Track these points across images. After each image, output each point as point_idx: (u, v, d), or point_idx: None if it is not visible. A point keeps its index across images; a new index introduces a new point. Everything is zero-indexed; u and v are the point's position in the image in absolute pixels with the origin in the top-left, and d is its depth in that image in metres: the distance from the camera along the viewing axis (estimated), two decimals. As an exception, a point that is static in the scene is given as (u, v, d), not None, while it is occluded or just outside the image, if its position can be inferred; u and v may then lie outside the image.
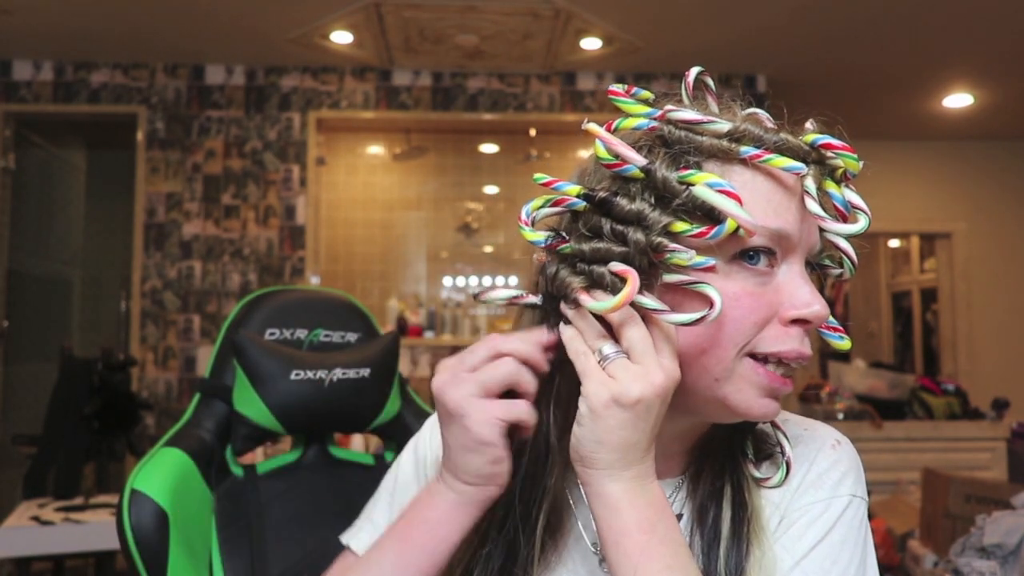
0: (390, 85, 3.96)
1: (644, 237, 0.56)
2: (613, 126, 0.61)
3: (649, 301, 0.56)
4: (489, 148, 4.77)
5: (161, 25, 3.42)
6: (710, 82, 0.64)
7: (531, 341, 0.61)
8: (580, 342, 0.59)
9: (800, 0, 3.19)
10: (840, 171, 0.59)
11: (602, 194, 0.58)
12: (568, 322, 0.60)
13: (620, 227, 0.58)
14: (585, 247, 0.59)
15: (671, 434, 0.65)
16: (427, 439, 0.78)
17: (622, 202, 0.57)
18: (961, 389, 4.14)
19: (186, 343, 3.76)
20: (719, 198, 0.54)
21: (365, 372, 1.11)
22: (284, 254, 3.85)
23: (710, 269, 0.56)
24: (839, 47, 3.68)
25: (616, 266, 0.57)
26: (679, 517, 0.65)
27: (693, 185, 0.56)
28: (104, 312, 4.85)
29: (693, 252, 0.55)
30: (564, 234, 0.61)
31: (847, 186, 0.60)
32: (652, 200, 0.58)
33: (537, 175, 0.62)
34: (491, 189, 4.74)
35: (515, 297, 0.63)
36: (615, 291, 0.57)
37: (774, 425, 0.65)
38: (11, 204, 3.85)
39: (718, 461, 0.65)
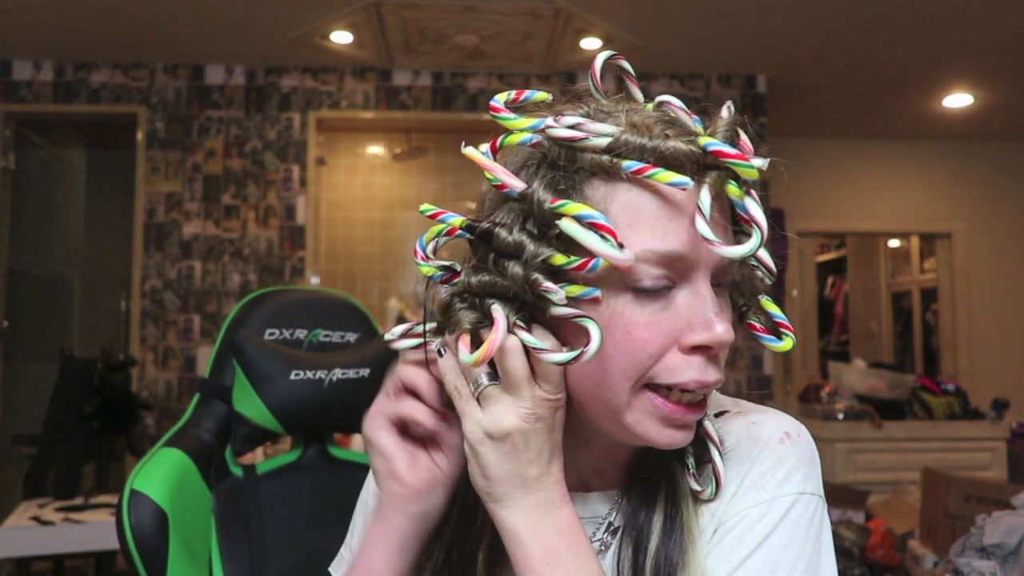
0: (390, 85, 3.96)
1: (522, 271, 0.53)
2: (498, 142, 0.57)
3: (529, 337, 0.54)
4: (489, 148, 4.76)
5: (161, 25, 3.42)
6: (627, 66, 0.60)
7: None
8: (455, 375, 0.57)
9: (801, 1, 3.19)
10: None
11: (483, 225, 0.55)
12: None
13: (502, 260, 0.55)
14: (473, 280, 0.56)
15: (601, 451, 0.63)
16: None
17: (502, 233, 0.54)
18: (961, 389, 4.14)
19: (186, 343, 3.76)
20: (586, 235, 0.51)
21: (365, 372, 1.11)
22: (284, 254, 3.85)
23: (595, 301, 0.53)
24: (839, 47, 3.68)
25: (495, 308, 0.54)
26: (617, 530, 0.62)
27: (563, 217, 0.52)
28: (104, 312, 4.85)
29: (563, 293, 0.52)
30: (457, 267, 0.59)
31: (748, 193, 0.54)
32: (535, 230, 0.54)
33: (423, 206, 0.59)
34: (491, 189, 4.74)
35: (419, 346, 0.61)
36: None
37: (707, 435, 0.60)
38: (11, 204, 3.85)
39: (653, 472, 0.62)
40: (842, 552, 2.82)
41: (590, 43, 3.62)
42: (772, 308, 0.61)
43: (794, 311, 5.19)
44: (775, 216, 4.54)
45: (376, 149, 4.78)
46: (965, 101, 4.39)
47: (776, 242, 0.62)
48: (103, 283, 4.83)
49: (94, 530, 2.36)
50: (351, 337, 1.19)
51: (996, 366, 5.06)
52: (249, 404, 1.05)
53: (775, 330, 0.60)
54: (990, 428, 3.92)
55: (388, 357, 1.15)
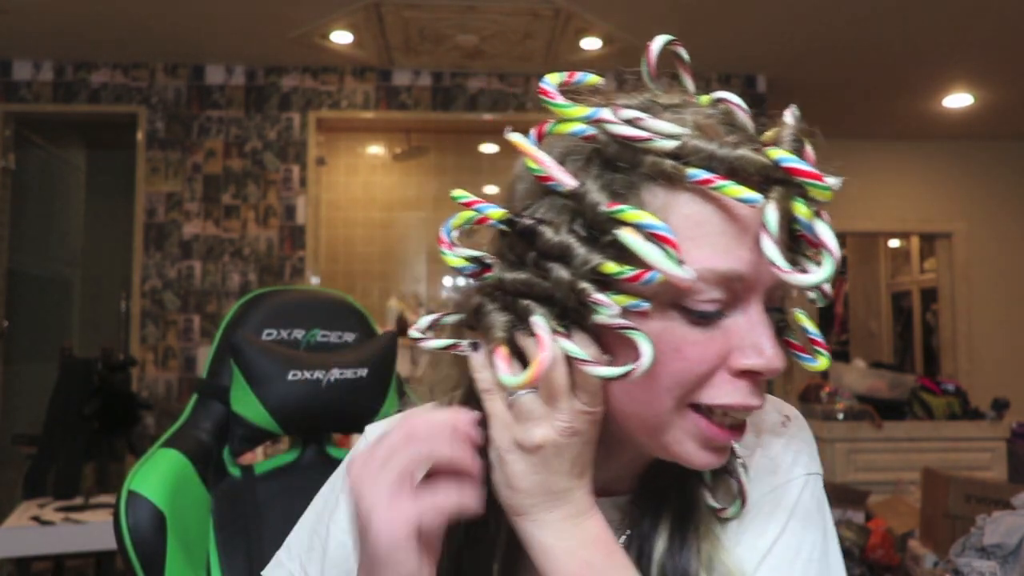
0: (390, 85, 3.96)
1: (568, 276, 0.49)
2: (545, 129, 0.53)
3: (574, 347, 0.50)
4: (489, 148, 4.77)
5: (161, 25, 3.42)
6: (683, 54, 0.56)
7: (460, 418, 0.51)
8: (487, 374, 0.53)
9: (801, 1, 3.18)
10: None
11: (526, 222, 0.50)
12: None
13: (545, 261, 0.50)
14: (508, 276, 0.52)
15: (626, 461, 0.61)
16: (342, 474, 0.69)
17: (547, 232, 0.50)
18: (961, 389, 4.13)
19: (186, 343, 3.76)
20: (648, 248, 0.46)
21: (363, 372, 1.11)
22: (284, 254, 3.85)
23: (642, 314, 0.49)
24: (839, 47, 3.67)
25: (536, 324, 0.50)
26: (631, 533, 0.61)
27: (622, 224, 0.47)
28: (104, 312, 4.85)
29: (618, 308, 0.48)
30: (489, 260, 0.54)
31: (818, 214, 0.50)
32: (583, 232, 0.50)
33: (456, 192, 0.54)
34: (491, 189, 4.74)
35: (451, 346, 0.56)
36: None
37: (732, 452, 0.58)
38: (11, 204, 3.85)
39: (664, 483, 0.60)
40: (842, 552, 2.82)
41: (590, 43, 3.62)
42: (807, 323, 0.56)
43: (794, 311, 5.18)
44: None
45: (376, 149, 4.78)
46: (965, 101, 4.38)
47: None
48: (103, 283, 4.84)
49: (94, 530, 2.36)
50: (349, 337, 1.19)
51: (996, 366, 5.06)
52: (247, 405, 1.05)
53: (809, 347, 0.57)
54: (990, 428, 3.92)
55: (386, 357, 1.15)
